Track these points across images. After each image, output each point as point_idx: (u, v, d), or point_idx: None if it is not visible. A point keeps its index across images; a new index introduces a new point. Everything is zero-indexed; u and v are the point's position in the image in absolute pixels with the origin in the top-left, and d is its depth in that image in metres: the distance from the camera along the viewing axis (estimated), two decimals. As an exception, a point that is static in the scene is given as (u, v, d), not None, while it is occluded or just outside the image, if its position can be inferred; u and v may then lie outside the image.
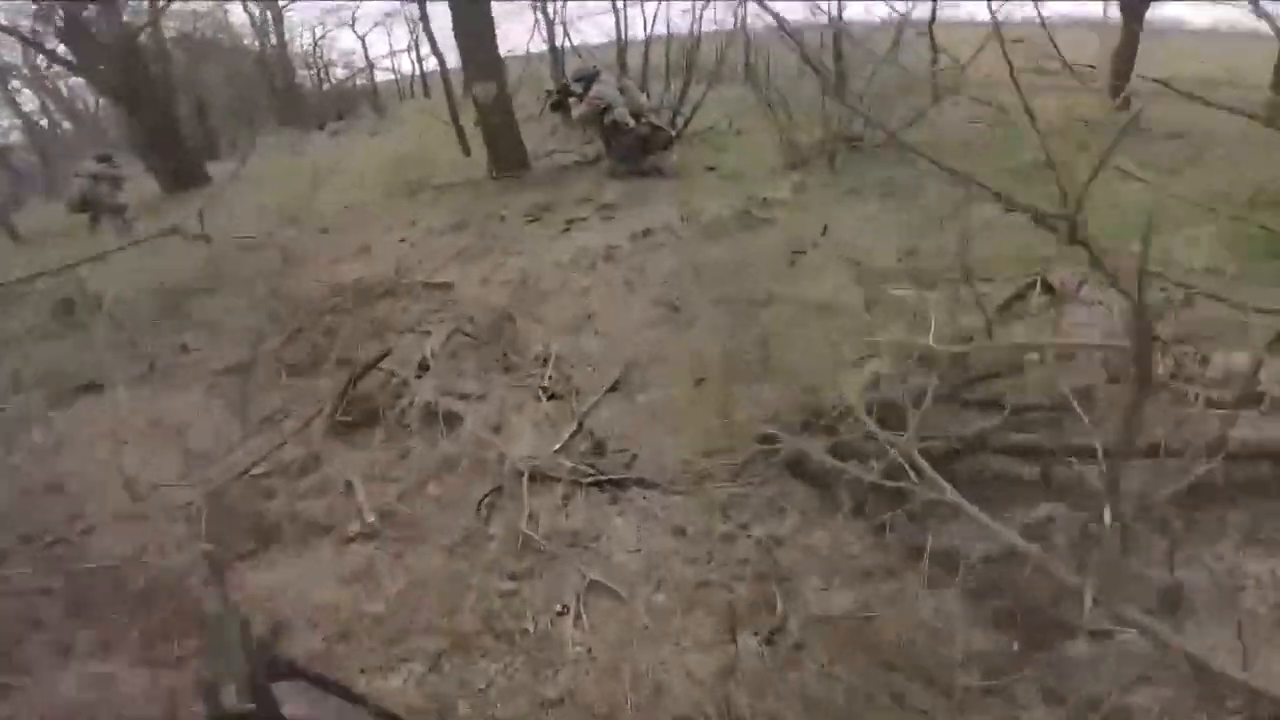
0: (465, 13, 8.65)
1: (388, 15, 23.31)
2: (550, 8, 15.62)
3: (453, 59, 10.61)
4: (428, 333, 4.86)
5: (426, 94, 23.40)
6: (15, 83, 17.17)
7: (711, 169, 8.22)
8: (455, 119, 10.59)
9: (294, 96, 21.78)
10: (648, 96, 9.06)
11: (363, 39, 23.54)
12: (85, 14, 11.44)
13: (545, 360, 4.40)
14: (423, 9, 12.70)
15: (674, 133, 8.75)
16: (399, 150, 11.89)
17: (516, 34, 26.42)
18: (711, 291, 4.93)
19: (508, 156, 8.85)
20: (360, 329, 5.00)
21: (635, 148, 8.25)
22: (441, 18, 14.98)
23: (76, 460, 3.97)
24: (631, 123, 8.18)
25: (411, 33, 23.98)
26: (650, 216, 6.67)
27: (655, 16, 23.48)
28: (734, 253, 5.56)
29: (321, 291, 5.53)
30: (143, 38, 12.22)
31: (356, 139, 15.89)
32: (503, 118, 8.87)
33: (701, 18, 11.68)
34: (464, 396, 4.15)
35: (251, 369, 4.41)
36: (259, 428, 4.08)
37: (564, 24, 16.98)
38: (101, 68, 11.51)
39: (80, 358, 5.07)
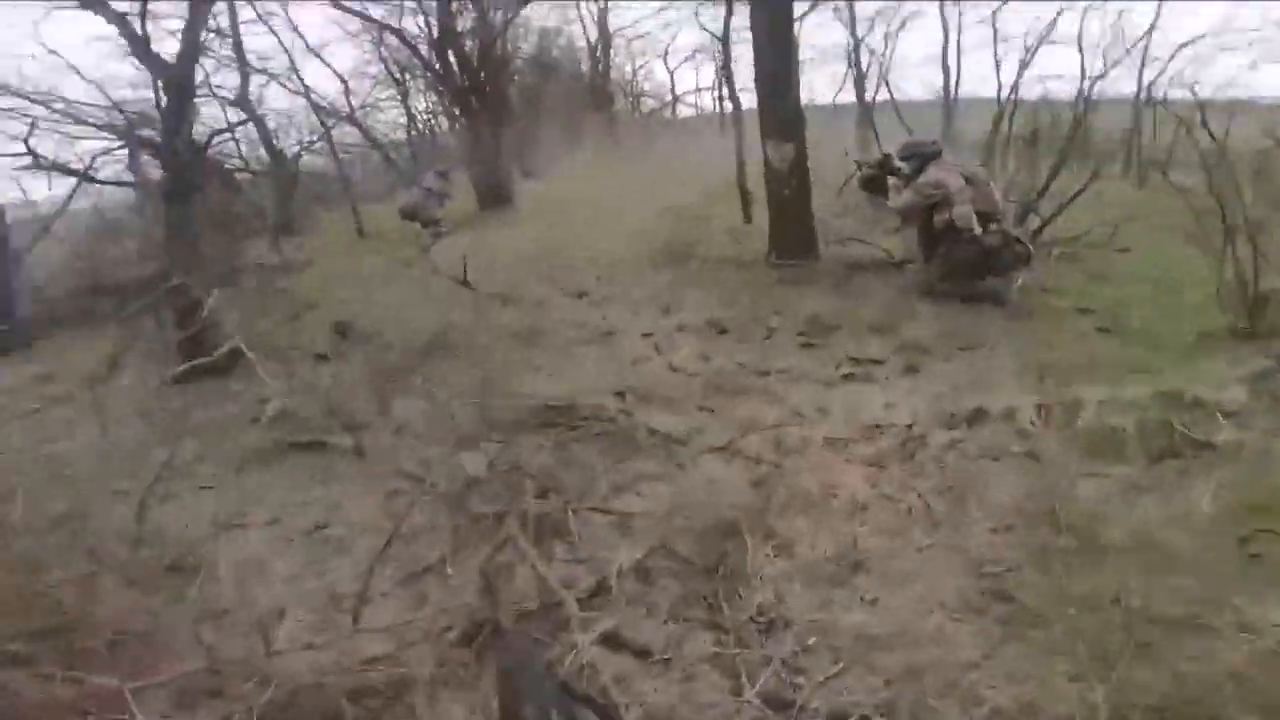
0: (765, 54, 7.24)
1: (698, 51, 23.33)
2: (864, 55, 13.59)
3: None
4: (626, 519, 3.50)
5: (722, 132, 23.02)
6: (413, 82, 19.68)
7: (1086, 311, 5.69)
8: (741, 178, 9.32)
9: (609, 123, 22.72)
10: (1001, 192, 6.70)
11: (672, 73, 23.58)
12: (459, 25, 12.39)
13: (768, 626, 2.79)
14: (725, 47, 11.61)
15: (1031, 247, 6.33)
16: (680, 199, 11.02)
17: (819, 81, 24.63)
18: (1081, 584, 2.88)
19: (792, 239, 7.31)
20: (549, 476, 3.84)
21: (975, 264, 6.01)
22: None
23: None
24: (977, 229, 5.95)
25: (718, 70, 23.85)
26: (981, 385, 4.61)
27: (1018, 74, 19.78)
28: (1138, 517, 3.28)
29: (531, 406, 4.49)
30: (498, 48, 12.93)
31: (649, 176, 15.62)
32: (795, 192, 7.30)
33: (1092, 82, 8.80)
34: (642, 654, 2.73)
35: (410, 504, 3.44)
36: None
37: (883, 75, 14.87)
38: (456, 76, 12.28)
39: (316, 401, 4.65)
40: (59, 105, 9.83)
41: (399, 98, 19.48)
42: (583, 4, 19.95)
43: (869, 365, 5.16)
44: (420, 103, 20.88)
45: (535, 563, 3.09)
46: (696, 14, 15.54)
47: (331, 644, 2.89)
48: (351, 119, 14.95)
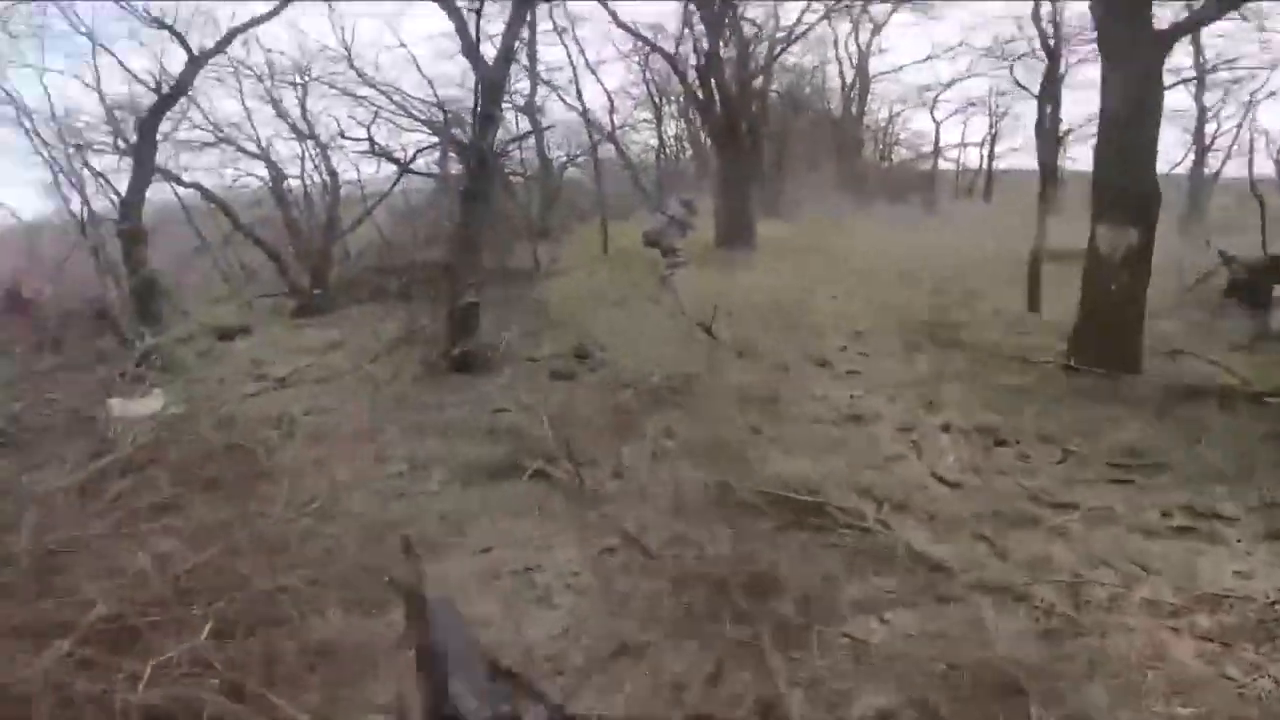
0: (1118, 119, 5.87)
1: (971, 105, 21.07)
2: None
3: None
4: (863, 647, 2.77)
5: (987, 197, 20.64)
6: (669, 107, 20.39)
7: None
8: (1035, 262, 7.88)
9: (856, 168, 21.54)
10: None
11: (938, 124, 21.54)
12: (724, 53, 12.36)
13: None
14: (1044, 107, 10.05)
15: None
16: (938, 267, 9.75)
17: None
18: None
19: (1107, 344, 5.87)
20: (785, 576, 3.17)
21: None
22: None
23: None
24: None
25: (991, 127, 21.35)
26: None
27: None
28: None
29: (770, 494, 3.85)
30: (757, 83, 12.72)
31: (897, 232, 14.34)
32: (1125, 288, 5.87)
33: None
34: None
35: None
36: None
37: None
38: (716, 106, 12.24)
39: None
40: (397, 98, 11.46)
41: (654, 121, 20.36)
42: (843, 46, 19.16)
43: (1213, 521, 3.84)
44: (670, 129, 21.62)
45: (780, 681, 2.50)
46: (1011, 69, 13.84)
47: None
48: (611, 137, 15.71)
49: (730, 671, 2.90)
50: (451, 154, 11.98)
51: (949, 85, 19.60)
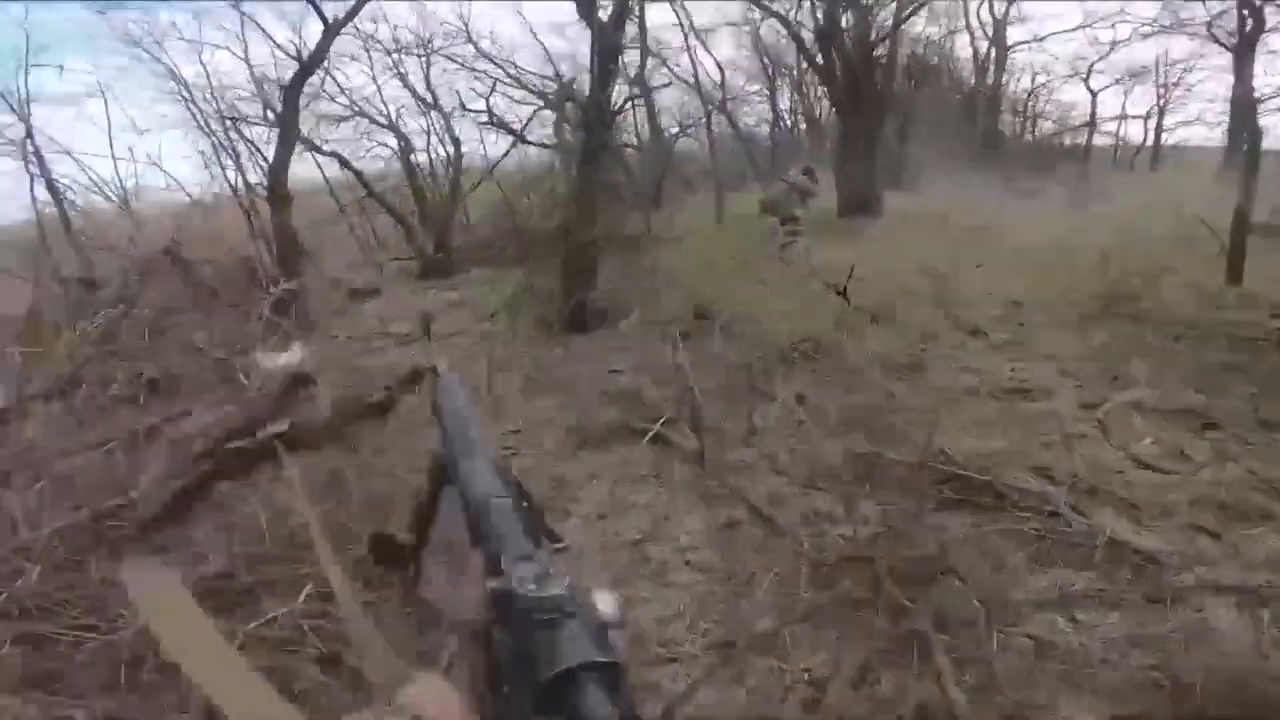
0: None
1: (1132, 75, 18.30)
2: None
3: None
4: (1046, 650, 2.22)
5: (1153, 169, 18.01)
6: (781, 79, 19.38)
7: None
8: (1240, 223, 6.53)
9: (992, 141, 19.48)
10: None
11: (1095, 94, 18.94)
12: (843, 20, 11.41)
13: None
14: (1244, 63, 8.38)
15: None
16: (1097, 238, 8.39)
17: None
18: None
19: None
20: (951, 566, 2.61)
21: None
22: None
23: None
24: None
25: (1160, 98, 18.49)
26: None
27: None
28: None
29: (931, 467, 3.26)
30: (880, 51, 11.70)
31: (1044, 208, 12.68)
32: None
33: None
34: None
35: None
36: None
37: None
38: (837, 74, 11.36)
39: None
40: (512, 71, 11.51)
41: (767, 93, 19.35)
42: (975, 14, 17.25)
43: None
44: (784, 101, 20.48)
45: (948, 688, 2.00)
46: (1209, 26, 11.63)
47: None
48: (723, 108, 15.05)
49: (880, 671, 2.42)
50: (566, 124, 11.95)
51: (1109, 52, 17.23)
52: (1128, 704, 2.10)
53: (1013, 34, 18.14)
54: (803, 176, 10.01)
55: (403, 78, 11.72)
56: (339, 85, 11.26)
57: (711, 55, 17.87)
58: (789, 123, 21.51)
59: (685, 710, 2.32)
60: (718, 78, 15.41)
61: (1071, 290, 6.22)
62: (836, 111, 12.87)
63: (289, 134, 9.27)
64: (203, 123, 10.39)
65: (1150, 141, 19.15)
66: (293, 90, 9.10)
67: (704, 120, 13.63)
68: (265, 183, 9.40)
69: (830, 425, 3.63)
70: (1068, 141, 20.43)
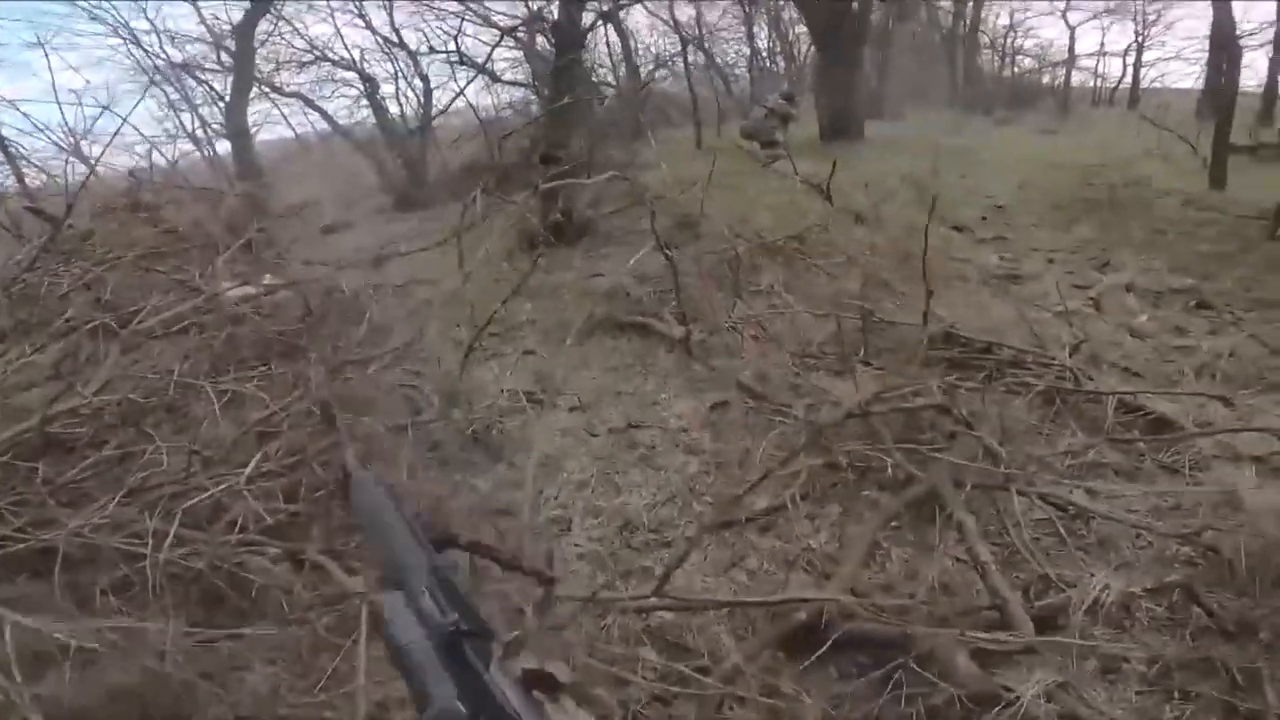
0: None
1: (1111, 12, 17.78)
2: None
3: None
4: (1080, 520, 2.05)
5: (1132, 106, 17.67)
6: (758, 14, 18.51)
7: None
8: (1224, 127, 6.33)
9: (971, 77, 18.99)
10: None
11: (1073, 29, 18.40)
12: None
13: None
14: None
15: None
16: (1078, 157, 8.20)
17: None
18: None
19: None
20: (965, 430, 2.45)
21: None
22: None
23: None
24: None
25: (1138, 33, 18.01)
26: None
27: None
28: None
29: (921, 334, 3.07)
30: None
31: (1024, 133, 12.40)
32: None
33: None
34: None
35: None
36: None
37: None
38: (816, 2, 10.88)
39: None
40: (479, 8, 10.86)
41: (743, 27, 18.58)
42: None
43: None
44: (762, 41, 19.76)
45: (978, 550, 1.84)
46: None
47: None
48: (700, 44, 14.47)
49: (891, 545, 2.27)
50: (537, 56, 11.38)
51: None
52: (1160, 575, 1.95)
53: (991, -34, 17.40)
54: (782, 101, 9.63)
55: (364, 18, 11.02)
56: (298, 31, 10.61)
57: (688, -14, 17.10)
58: (767, 61, 20.82)
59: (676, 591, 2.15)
60: (694, 14, 14.75)
61: (1054, 195, 6.03)
62: (815, 43, 12.38)
63: (244, 71, 8.76)
64: (153, 71, 9.72)
65: (1129, 79, 18.72)
66: (245, 27, 8.56)
67: (679, 55, 13.08)
68: (224, 123, 8.92)
69: (817, 308, 3.42)
70: (1046, 79, 19.98)
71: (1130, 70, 18.44)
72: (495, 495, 2.70)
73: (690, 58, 13.34)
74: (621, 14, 12.44)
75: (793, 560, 2.30)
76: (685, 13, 14.76)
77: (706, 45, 15.66)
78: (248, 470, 2.33)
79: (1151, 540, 2.02)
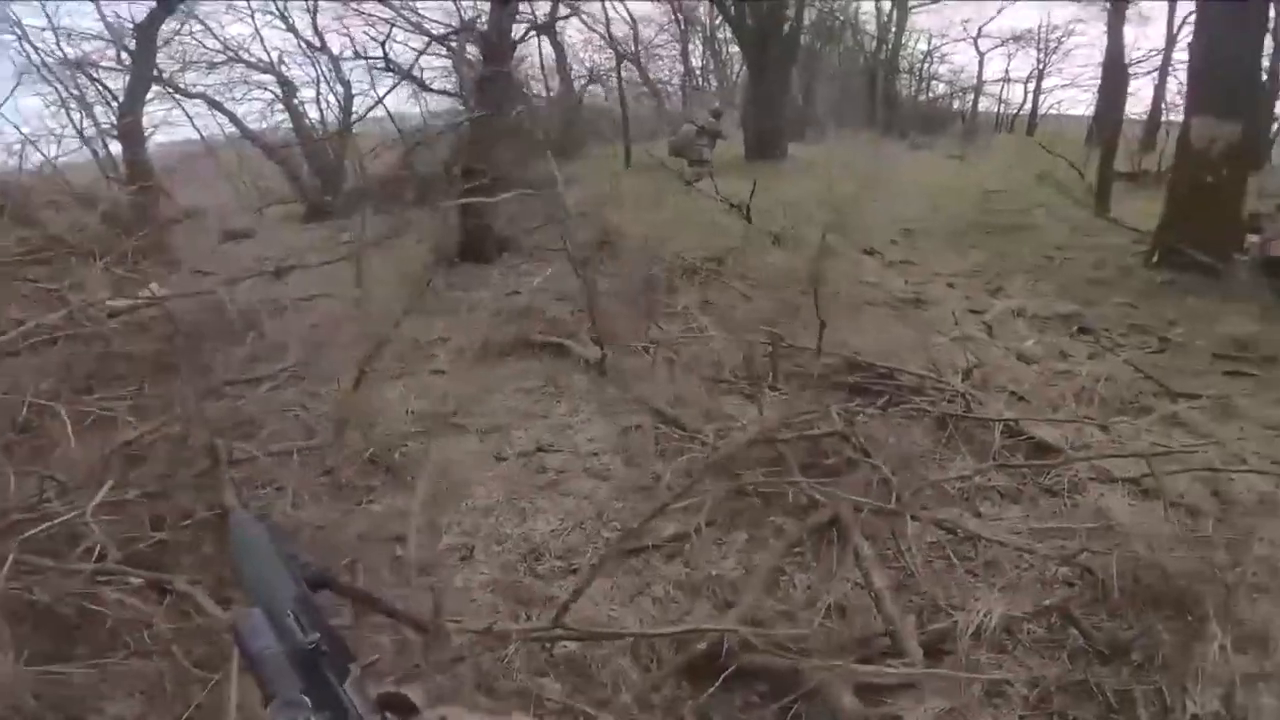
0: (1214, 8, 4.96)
1: (1017, 39, 19.37)
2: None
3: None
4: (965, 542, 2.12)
5: (1030, 132, 19.12)
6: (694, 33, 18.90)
7: None
8: (1108, 155, 6.91)
9: (890, 101, 20.10)
10: None
11: (982, 56, 19.85)
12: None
13: None
14: (1118, 15, 8.85)
15: None
16: (980, 182, 8.80)
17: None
18: None
19: (1200, 237, 4.97)
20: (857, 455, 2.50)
21: None
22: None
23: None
24: None
25: (1039, 60, 19.66)
26: None
27: None
28: None
29: (829, 361, 3.15)
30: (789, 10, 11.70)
31: (935, 157, 13.18)
32: (1222, 181, 5.05)
33: None
34: None
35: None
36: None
37: None
38: (748, 23, 11.23)
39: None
40: (412, 16, 10.56)
41: (678, 44, 18.97)
42: None
43: None
44: (696, 60, 20.23)
45: (873, 577, 1.86)
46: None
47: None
48: (635, 60, 14.66)
49: (795, 571, 2.28)
50: (466, 66, 11.18)
51: (996, 14, 17.98)
52: (1041, 597, 2.02)
53: (913, -6, 18.43)
54: (711, 119, 9.82)
55: (285, 19, 10.51)
56: (210, 30, 10.00)
57: (625, 6, 17.25)
58: (700, 79, 21.28)
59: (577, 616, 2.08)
60: (630, 29, 14.93)
61: (957, 219, 6.39)
62: (746, 62, 12.76)
63: (143, 72, 8.19)
64: (41, 68, 8.92)
65: (1029, 105, 20.28)
66: (148, 28, 8.01)
67: (614, 70, 13.16)
68: (115, 123, 8.28)
69: (733, 331, 3.45)
70: (956, 105, 21.38)
71: (1030, 97, 20.10)
72: (391, 522, 2.55)
73: (625, 74, 13.45)
74: (558, 26, 12.46)
75: (698, 588, 2.28)
76: (621, 28, 14.95)
77: (641, 61, 15.88)
78: (98, 497, 2.13)
79: (1033, 563, 2.11)
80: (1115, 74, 9.37)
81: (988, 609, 1.85)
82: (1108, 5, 10.14)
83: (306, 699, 0.52)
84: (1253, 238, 4.97)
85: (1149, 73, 14.69)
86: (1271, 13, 8.54)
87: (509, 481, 2.84)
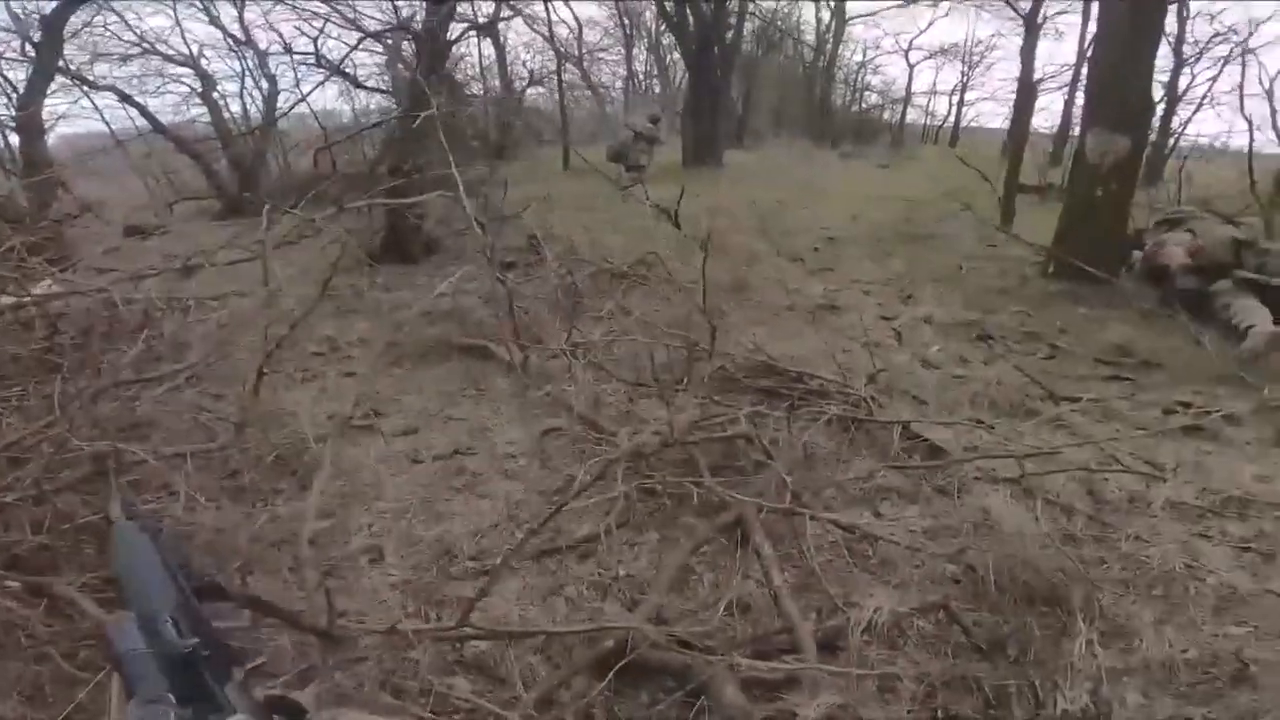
0: (1114, 23, 5.43)
1: (944, 52, 20.49)
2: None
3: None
4: (860, 543, 2.29)
5: (953, 144, 20.18)
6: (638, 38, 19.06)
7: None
8: (1014, 169, 7.38)
9: (824, 111, 20.82)
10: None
11: (912, 68, 20.88)
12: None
13: None
14: (1029, 39, 9.48)
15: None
16: (904, 193, 9.25)
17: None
18: None
19: (1089, 250, 5.36)
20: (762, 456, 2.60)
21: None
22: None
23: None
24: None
25: (963, 74, 20.83)
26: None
27: None
28: None
29: (744, 364, 3.26)
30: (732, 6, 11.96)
31: (864, 166, 13.75)
32: (1111, 196, 5.44)
33: None
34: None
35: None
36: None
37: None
38: (690, 30, 11.41)
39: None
40: (350, 12, 10.22)
41: (622, 49, 19.09)
42: None
43: (1219, 423, 3.38)
44: (639, 64, 20.39)
45: (772, 575, 1.94)
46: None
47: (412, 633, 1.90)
48: (578, 63, 14.68)
49: (704, 570, 2.34)
50: (400, 64, 10.91)
51: (927, 27, 18.94)
52: (928, 594, 2.13)
53: (852, 7, 19.09)
54: (649, 125, 9.92)
55: (209, 12, 9.99)
56: (125, 22, 9.41)
57: (570, 8, 17.22)
58: (642, 84, 21.42)
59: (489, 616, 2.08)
60: (574, 32, 14.93)
61: (878, 229, 6.70)
62: (687, 68, 12.95)
63: (46, 63, 7.69)
64: None
65: (952, 117, 21.38)
66: (56, 19, 7.52)
67: (555, 73, 13.13)
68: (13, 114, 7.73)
69: (654, 334, 3.51)
70: (887, 115, 22.32)
71: (954, 109, 21.22)
72: (294, 525, 2.48)
73: (566, 76, 13.43)
74: (500, 27, 12.33)
75: (609, 587, 2.32)
76: (564, 30, 14.93)
77: (584, 64, 15.89)
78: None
79: (923, 560, 2.24)
80: (1025, 90, 10.00)
81: (878, 606, 1.95)
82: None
83: (169, 695, 0.52)
84: (1137, 253, 5.40)
85: (1060, 88, 15.80)
86: (1171, 27, 9.29)
87: (424, 484, 2.81)
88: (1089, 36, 11.95)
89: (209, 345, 3.32)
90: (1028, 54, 9.37)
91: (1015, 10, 11.46)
